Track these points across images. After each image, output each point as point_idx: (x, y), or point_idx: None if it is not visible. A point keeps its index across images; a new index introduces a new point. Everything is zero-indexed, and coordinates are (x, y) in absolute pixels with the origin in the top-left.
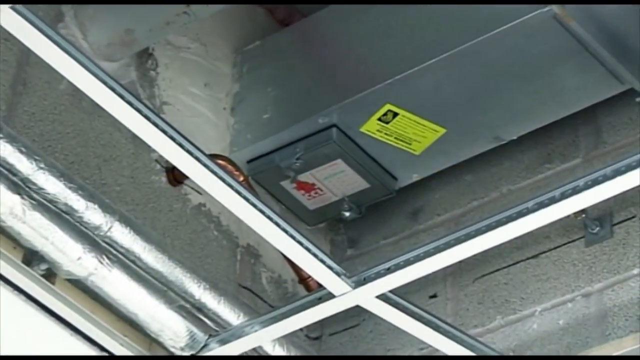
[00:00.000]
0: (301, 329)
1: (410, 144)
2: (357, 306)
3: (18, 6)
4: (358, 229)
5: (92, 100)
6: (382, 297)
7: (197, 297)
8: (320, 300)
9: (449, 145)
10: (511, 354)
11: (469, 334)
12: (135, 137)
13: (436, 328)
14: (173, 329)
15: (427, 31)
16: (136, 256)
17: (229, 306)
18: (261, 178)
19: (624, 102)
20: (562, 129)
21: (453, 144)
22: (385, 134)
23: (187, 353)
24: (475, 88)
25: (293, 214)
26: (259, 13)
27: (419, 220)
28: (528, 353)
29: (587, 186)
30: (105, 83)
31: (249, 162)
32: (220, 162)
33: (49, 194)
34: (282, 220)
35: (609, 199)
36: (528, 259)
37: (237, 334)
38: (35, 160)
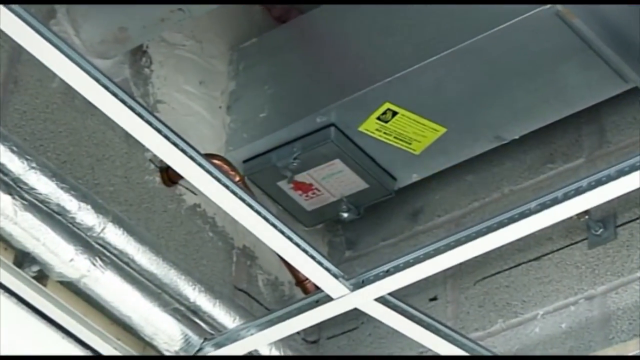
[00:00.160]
0: (298, 333)
1: (409, 144)
2: (356, 309)
3: None
4: (356, 230)
5: (84, 99)
6: (381, 300)
7: (192, 300)
8: (317, 303)
9: (449, 144)
10: None
11: (469, 337)
12: (128, 136)
13: (436, 331)
14: (167, 332)
15: (427, 28)
16: (130, 258)
17: (224, 309)
18: (257, 178)
19: (628, 101)
20: (565, 128)
21: (453, 143)
22: (385, 133)
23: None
24: (477, 86)
25: (290, 215)
26: (256, 10)
27: (419, 222)
28: None
29: (591, 187)
30: (98, 81)
31: (245, 161)
32: (215, 161)
33: (40, 194)
34: (278, 221)
35: (612, 200)
36: (530, 261)
37: (232, 337)
38: (27, 159)
